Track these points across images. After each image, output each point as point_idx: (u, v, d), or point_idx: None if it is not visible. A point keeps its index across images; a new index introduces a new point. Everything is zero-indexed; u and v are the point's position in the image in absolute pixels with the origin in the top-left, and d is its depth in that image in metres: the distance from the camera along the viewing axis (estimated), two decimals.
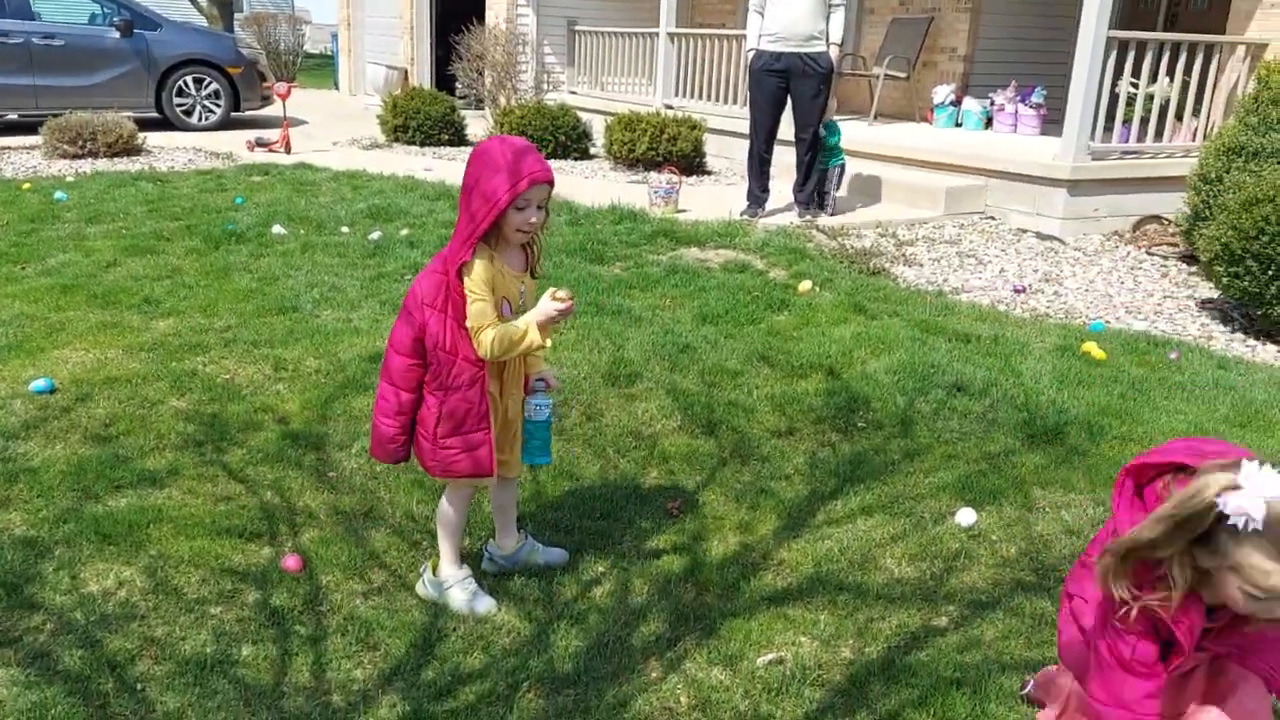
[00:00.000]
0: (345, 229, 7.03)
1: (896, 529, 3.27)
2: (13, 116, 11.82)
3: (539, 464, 2.97)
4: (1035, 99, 9.45)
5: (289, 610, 2.73)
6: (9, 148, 10.45)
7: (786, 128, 7.68)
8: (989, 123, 9.83)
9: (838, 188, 7.96)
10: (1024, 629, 2.75)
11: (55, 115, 10.32)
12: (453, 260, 2.53)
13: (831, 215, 7.75)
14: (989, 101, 9.86)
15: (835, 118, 7.89)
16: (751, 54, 7.44)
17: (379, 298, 5.46)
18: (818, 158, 7.58)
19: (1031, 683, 2.46)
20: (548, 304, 2.57)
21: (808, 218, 7.51)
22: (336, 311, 5.25)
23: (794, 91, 7.35)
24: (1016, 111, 9.51)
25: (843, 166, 8.00)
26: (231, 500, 3.30)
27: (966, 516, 3.31)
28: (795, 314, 5.39)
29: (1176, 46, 7.45)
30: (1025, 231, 7.49)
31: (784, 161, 7.99)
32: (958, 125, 9.99)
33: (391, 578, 2.91)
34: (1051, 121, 9.26)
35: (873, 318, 5.34)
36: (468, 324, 2.54)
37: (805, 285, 5.83)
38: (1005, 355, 4.80)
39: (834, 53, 7.29)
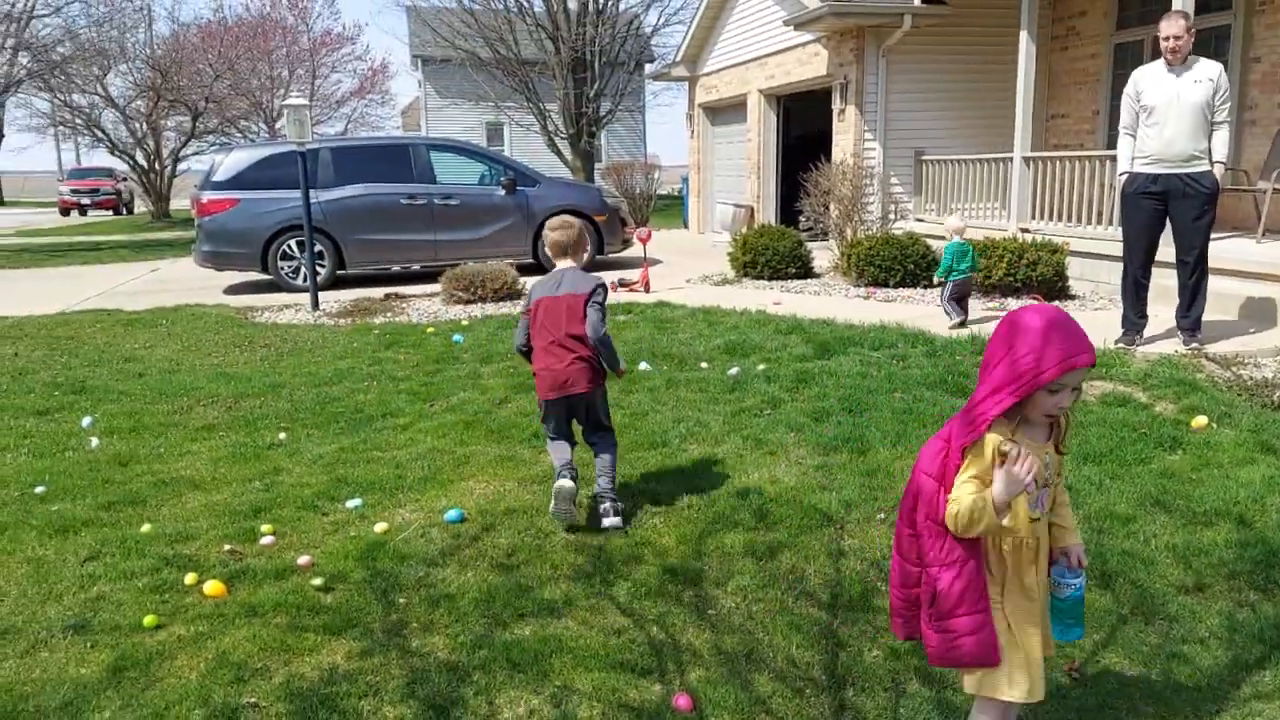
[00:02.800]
0: (704, 364, 7.33)
1: None
2: (417, 267, 13.54)
3: (1071, 640, 2.56)
4: None
5: None
6: (415, 295, 11.94)
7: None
8: None
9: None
10: None
11: (451, 266, 11.71)
12: (960, 436, 2.34)
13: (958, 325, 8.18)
14: None
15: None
16: (1124, 177, 7.06)
17: (741, 433, 5.61)
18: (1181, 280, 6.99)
19: None
20: (1003, 476, 2.28)
21: (1194, 345, 6.90)
22: (701, 446, 5.45)
23: (1174, 213, 6.87)
24: None
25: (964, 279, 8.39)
26: (622, 634, 3.46)
27: None
28: (1191, 453, 4.92)
29: None
30: None
31: (1160, 284, 7.43)
32: None
33: None
34: None
35: None
36: (950, 496, 2.33)
37: (1200, 421, 5.32)
38: None
39: (1219, 171, 6.76)
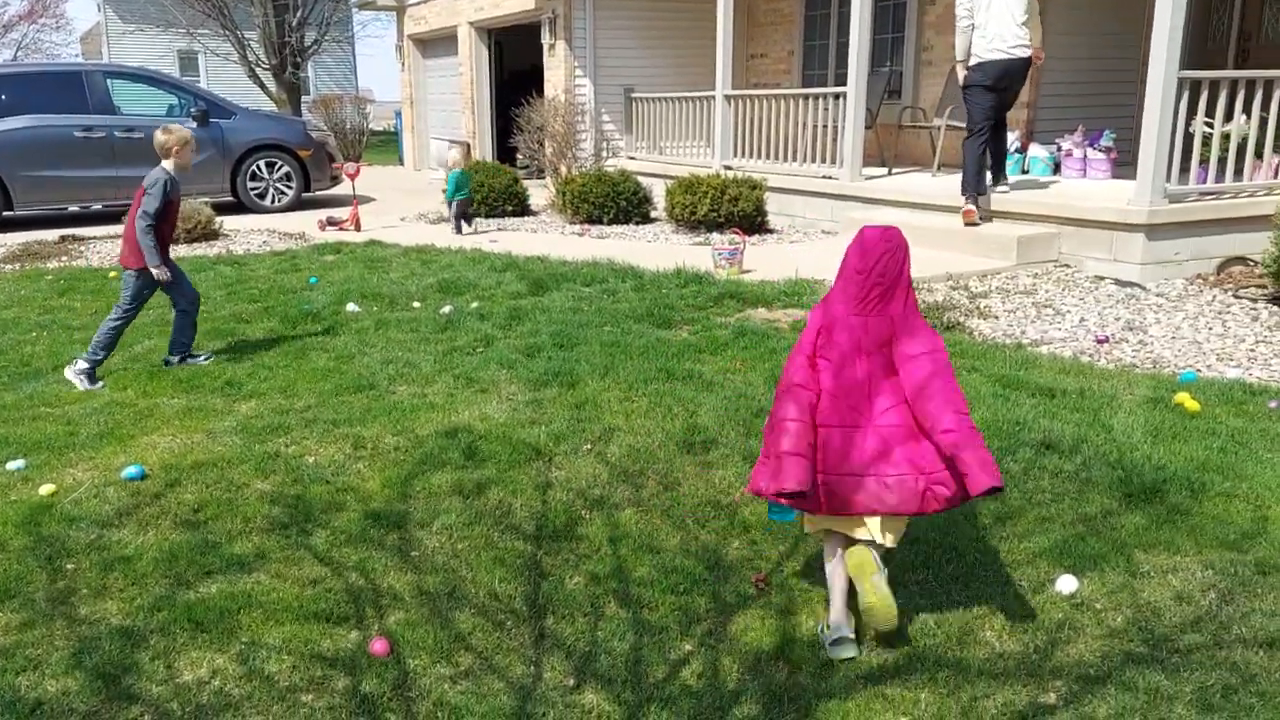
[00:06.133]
0: (417, 304, 7.14)
1: (994, 599, 3.16)
2: (98, 207, 12.30)
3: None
4: (1104, 142, 9.31)
5: (379, 697, 2.71)
6: (95, 237, 10.85)
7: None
8: (1057, 168, 9.69)
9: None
10: (1139, 705, 2.61)
11: None
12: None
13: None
14: (1055, 147, 9.73)
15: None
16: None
17: (452, 371, 5.51)
18: None
19: None
20: None
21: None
22: (412, 387, 5.31)
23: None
24: (1085, 156, 9.36)
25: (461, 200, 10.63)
26: (318, 584, 3.32)
27: (1067, 584, 3.18)
28: None
29: (1251, 83, 7.29)
30: (1103, 279, 7.33)
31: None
32: (1024, 173, 9.86)
33: (478, 660, 2.88)
34: (1123, 164, 9.11)
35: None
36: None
37: None
38: (1093, 410, 4.66)
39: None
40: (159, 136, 5.59)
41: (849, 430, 2.87)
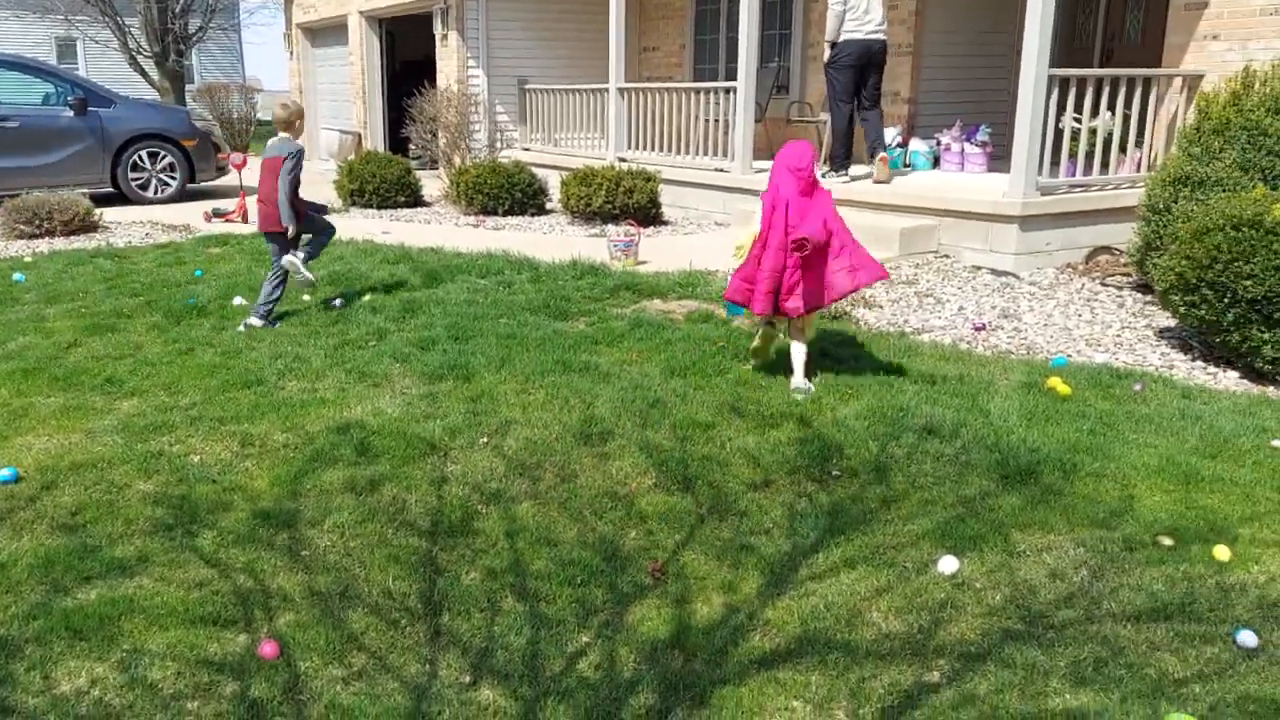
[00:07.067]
0: (306, 297, 6.99)
1: (880, 581, 3.26)
2: None
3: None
4: (980, 137, 9.62)
5: (268, 701, 2.67)
6: None
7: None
8: (936, 162, 9.97)
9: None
10: (1017, 680, 2.74)
11: (12, 196, 10.26)
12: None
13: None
14: (935, 142, 10.01)
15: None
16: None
17: (344, 366, 5.42)
18: None
19: None
20: None
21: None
22: (301, 382, 5.20)
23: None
24: (963, 150, 9.66)
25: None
26: (204, 586, 3.24)
27: (949, 564, 3.31)
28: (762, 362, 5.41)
29: (1115, 81, 7.64)
30: (980, 269, 7.59)
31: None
32: (906, 166, 10.13)
33: (372, 660, 2.86)
34: (998, 158, 9.43)
35: (838, 362, 5.37)
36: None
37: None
38: (972, 395, 4.83)
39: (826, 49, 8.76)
40: (279, 112, 6.27)
41: (804, 270, 4.70)
